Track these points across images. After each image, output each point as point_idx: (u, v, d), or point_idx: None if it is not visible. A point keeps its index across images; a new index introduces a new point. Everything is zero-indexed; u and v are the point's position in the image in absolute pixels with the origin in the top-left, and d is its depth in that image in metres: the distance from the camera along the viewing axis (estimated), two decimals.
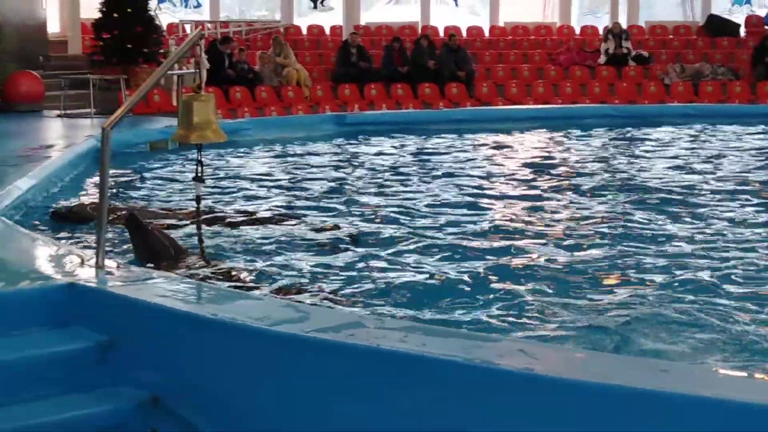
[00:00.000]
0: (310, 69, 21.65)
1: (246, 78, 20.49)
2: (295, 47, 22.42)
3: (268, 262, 6.97)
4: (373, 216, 8.93)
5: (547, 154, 14.16)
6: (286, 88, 20.79)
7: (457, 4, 27.19)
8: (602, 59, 23.35)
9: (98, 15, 19.28)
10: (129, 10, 18.88)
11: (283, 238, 7.81)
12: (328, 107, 20.29)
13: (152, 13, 19.68)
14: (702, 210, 9.14)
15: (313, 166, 12.70)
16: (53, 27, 22.47)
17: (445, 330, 4.41)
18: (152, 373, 4.39)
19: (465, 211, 9.12)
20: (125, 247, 7.27)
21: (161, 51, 19.37)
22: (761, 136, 16.29)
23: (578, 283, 6.40)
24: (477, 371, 3.43)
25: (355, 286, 6.38)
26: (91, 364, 4.44)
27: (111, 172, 6.08)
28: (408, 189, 10.56)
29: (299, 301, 5.62)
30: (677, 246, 7.51)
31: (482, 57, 23.70)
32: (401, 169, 12.23)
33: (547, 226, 8.46)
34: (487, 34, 25.53)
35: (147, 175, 11.98)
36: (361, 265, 6.94)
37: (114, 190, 10.18)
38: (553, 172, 12.11)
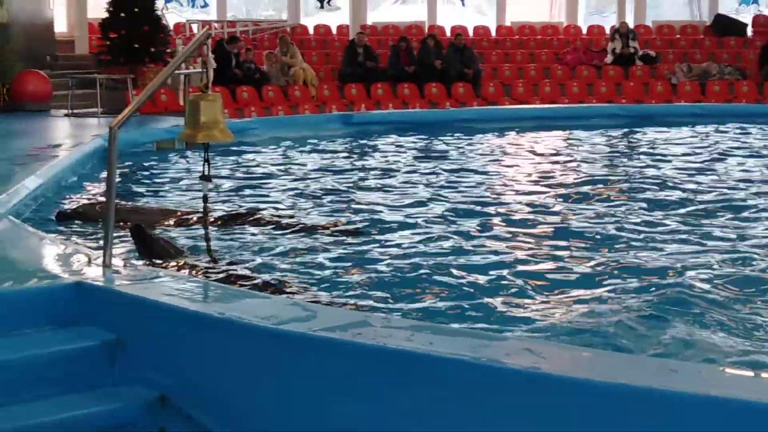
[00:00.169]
0: (316, 69, 21.66)
1: (253, 78, 20.50)
2: (301, 47, 22.43)
3: (275, 261, 6.97)
4: (379, 215, 8.92)
5: (553, 154, 14.14)
6: (292, 88, 20.80)
7: (463, 4, 27.18)
8: (609, 59, 23.32)
9: (105, 15, 19.31)
10: (136, 9, 18.90)
11: (290, 237, 7.81)
12: (335, 107, 20.30)
13: (159, 12, 19.70)
14: (709, 209, 9.12)
15: (319, 166, 12.69)
16: (60, 27, 22.51)
17: (452, 329, 4.42)
18: (160, 372, 4.40)
19: (471, 210, 9.11)
20: (132, 245, 7.28)
21: (168, 51, 19.39)
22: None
23: (585, 282, 6.39)
24: (484, 370, 3.43)
25: (361, 284, 6.37)
26: (98, 363, 4.45)
27: (118, 171, 6.08)
28: (414, 188, 10.55)
29: (309, 300, 5.63)
30: (684, 244, 7.50)
31: (489, 57, 23.69)
32: (407, 169, 12.23)
33: (553, 225, 8.45)
34: (493, 33, 25.51)
35: (153, 174, 11.99)
36: (366, 263, 6.94)
37: (120, 190, 10.18)
38: (559, 171, 12.10)
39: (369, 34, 23.16)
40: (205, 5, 25.92)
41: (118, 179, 6.69)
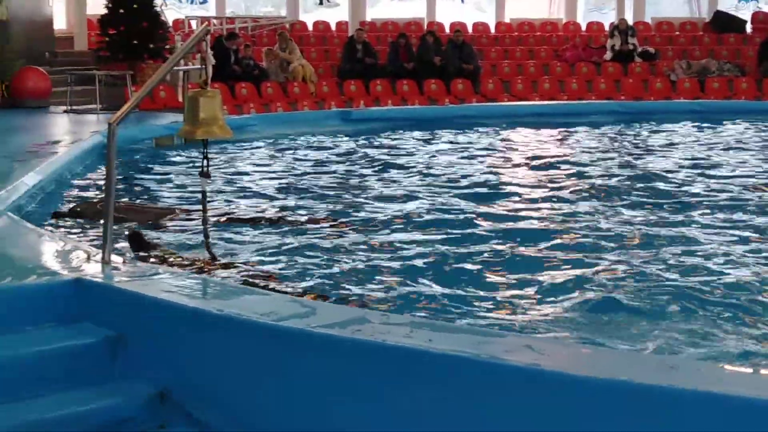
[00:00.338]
0: (315, 65, 21.66)
1: (252, 74, 20.50)
2: (300, 43, 22.42)
3: (274, 258, 6.97)
4: (378, 211, 8.92)
5: (552, 150, 14.15)
6: (291, 84, 20.80)
7: (462, 1, 27.17)
8: (608, 55, 23.33)
9: (104, 11, 19.31)
10: (135, 6, 18.90)
11: (288, 234, 7.81)
12: (334, 103, 20.31)
13: (158, 9, 19.69)
14: (708, 205, 9.12)
15: (318, 162, 12.69)
16: (59, 23, 22.49)
17: (452, 326, 4.42)
18: (160, 369, 4.39)
19: (470, 206, 9.11)
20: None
21: (167, 47, 19.38)
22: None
23: (585, 279, 6.39)
24: (484, 367, 3.42)
25: (360, 280, 6.37)
26: (98, 360, 4.45)
27: (116, 167, 6.08)
28: (413, 185, 10.55)
29: (307, 297, 5.63)
30: (684, 242, 7.50)
31: (488, 53, 23.69)
32: (406, 165, 12.22)
33: (552, 221, 8.45)
34: (492, 30, 25.51)
35: (152, 170, 11.99)
36: (365, 260, 6.94)
37: (119, 186, 10.18)
38: (558, 168, 12.10)
39: (368, 31, 23.16)
40: (204, 1, 25.91)
41: (117, 176, 6.69)
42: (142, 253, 6.81)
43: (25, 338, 4.48)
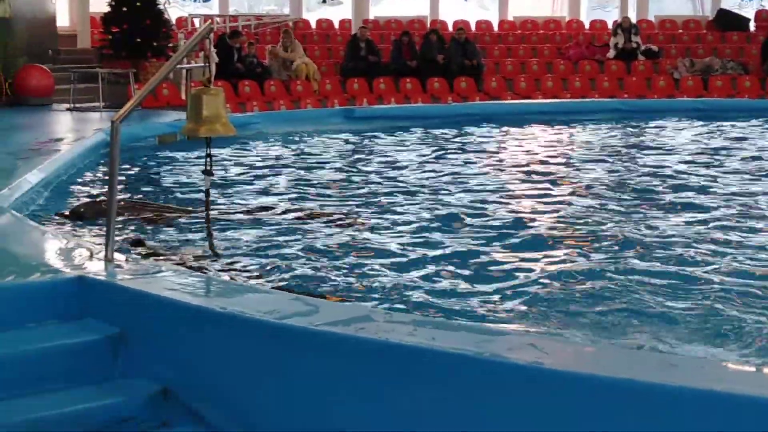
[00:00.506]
0: (318, 63, 21.66)
1: (255, 72, 20.50)
2: (303, 41, 22.42)
3: (277, 256, 6.97)
4: (381, 209, 8.92)
5: (555, 149, 14.14)
6: (295, 82, 20.81)
7: None
8: (611, 54, 23.31)
9: (107, 9, 19.33)
10: (138, 3, 18.92)
11: (291, 232, 7.81)
12: (337, 101, 20.31)
13: (161, 7, 19.71)
14: (711, 203, 9.12)
15: (321, 160, 12.70)
16: (63, 21, 22.51)
17: (455, 323, 4.42)
18: (162, 366, 4.40)
19: (473, 204, 9.11)
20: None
21: (170, 45, 19.40)
22: None
23: (588, 277, 6.39)
24: (487, 365, 3.42)
25: (363, 278, 6.38)
26: (101, 357, 4.45)
27: (119, 165, 6.08)
28: (416, 183, 10.54)
29: (308, 295, 5.63)
30: (686, 240, 7.50)
31: (491, 51, 23.67)
32: (409, 163, 12.23)
33: (555, 219, 8.45)
34: (496, 28, 25.51)
35: (155, 168, 12.00)
36: (368, 258, 6.94)
37: (122, 184, 10.19)
38: (561, 166, 12.10)
39: (371, 29, 23.15)
40: (207, 0, 25.91)
41: (119, 173, 6.69)
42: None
43: (27, 336, 4.49)
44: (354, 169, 11.84)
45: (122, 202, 8.52)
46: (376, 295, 6.01)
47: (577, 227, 8.11)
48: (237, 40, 20.75)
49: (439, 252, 7.10)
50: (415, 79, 21.56)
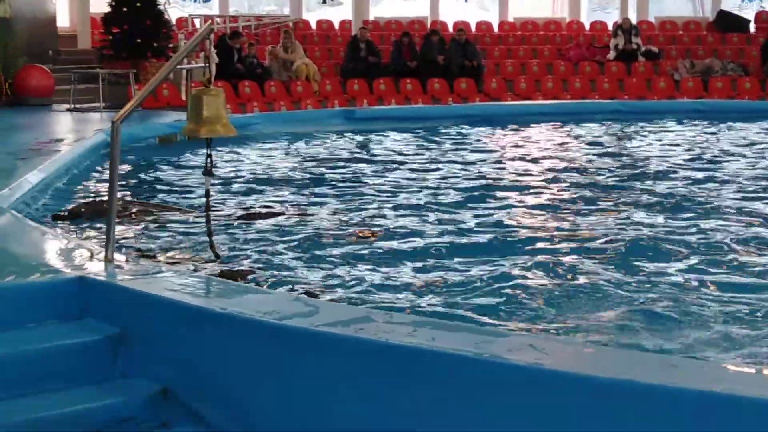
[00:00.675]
0: (319, 64, 21.66)
1: (255, 73, 20.50)
2: (304, 42, 22.42)
3: (277, 257, 6.98)
4: (380, 210, 8.92)
5: (556, 150, 14.15)
6: (295, 83, 20.81)
7: (466, 0, 27.17)
8: (612, 55, 23.31)
9: (108, 9, 19.35)
10: (138, 4, 18.94)
11: (291, 233, 7.81)
12: (337, 102, 20.31)
13: (161, 7, 19.73)
14: (712, 205, 9.12)
15: (321, 161, 12.70)
16: (63, 21, 22.52)
17: (455, 324, 4.42)
18: (162, 366, 4.40)
19: (473, 205, 9.12)
20: (134, 241, 7.30)
21: (170, 45, 19.41)
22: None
23: (587, 278, 6.39)
24: (487, 366, 3.43)
25: (363, 279, 6.38)
26: (101, 357, 4.45)
27: (119, 166, 6.08)
28: (416, 184, 10.55)
29: (308, 296, 5.63)
30: (687, 240, 7.50)
31: (491, 52, 23.68)
32: (409, 164, 12.23)
33: (555, 221, 8.45)
34: (496, 29, 25.52)
35: (155, 169, 12.00)
36: (368, 258, 6.94)
37: (122, 184, 10.20)
38: (561, 167, 12.10)
39: (371, 30, 23.15)
40: (208, 0, 25.91)
41: (120, 174, 6.69)
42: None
43: (27, 336, 4.49)
44: (353, 170, 11.83)
45: (122, 203, 8.52)
46: (375, 296, 6.01)
47: (578, 228, 8.11)
48: (237, 40, 20.76)
49: (438, 253, 7.10)
50: (416, 80, 21.57)
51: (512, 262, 6.86)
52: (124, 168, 11.15)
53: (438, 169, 11.80)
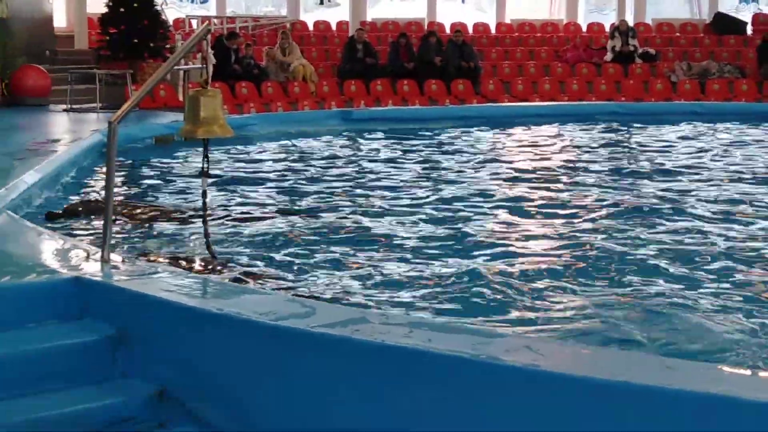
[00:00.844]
0: (316, 65, 21.66)
1: (252, 73, 20.50)
2: (301, 43, 22.42)
3: (274, 257, 6.98)
4: (377, 211, 8.92)
5: (552, 152, 14.15)
6: (292, 84, 20.81)
7: (463, 1, 27.17)
8: (609, 57, 23.34)
9: (105, 10, 19.33)
10: (135, 5, 18.92)
11: (287, 234, 7.81)
12: (334, 103, 20.31)
13: (159, 8, 19.72)
14: (707, 206, 9.13)
15: (318, 162, 12.70)
16: (60, 21, 22.51)
17: (451, 325, 4.42)
18: (159, 367, 4.40)
19: (470, 206, 9.12)
20: (131, 241, 7.29)
21: (167, 46, 19.39)
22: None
23: (584, 280, 6.40)
24: (483, 367, 3.43)
25: (360, 280, 6.38)
26: (98, 358, 4.45)
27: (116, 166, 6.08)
28: (412, 185, 10.55)
29: (305, 297, 5.63)
30: (684, 242, 7.50)
31: (488, 54, 23.69)
32: (406, 165, 12.23)
33: (551, 222, 8.46)
34: (493, 30, 25.52)
35: (152, 169, 12.00)
36: (365, 260, 6.94)
37: (119, 185, 10.19)
38: (558, 169, 12.11)
39: (368, 31, 23.17)
40: (205, 1, 25.92)
41: (116, 174, 6.69)
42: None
43: (24, 336, 4.48)
44: (350, 171, 11.83)
45: (119, 203, 8.52)
46: (372, 297, 6.01)
47: (573, 229, 8.11)
48: (234, 41, 20.76)
49: (435, 254, 7.10)
50: (413, 81, 21.57)
51: (507, 262, 6.87)
52: (121, 168, 11.13)
53: (434, 170, 11.80)
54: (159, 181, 11.10)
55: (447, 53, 21.95)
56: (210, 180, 6.54)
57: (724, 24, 25.60)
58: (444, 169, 11.94)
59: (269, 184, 10.73)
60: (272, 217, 8.51)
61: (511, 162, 12.91)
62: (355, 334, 3.81)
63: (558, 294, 6.10)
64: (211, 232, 6.99)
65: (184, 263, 6.52)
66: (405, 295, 6.07)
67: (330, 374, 3.81)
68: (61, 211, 8.56)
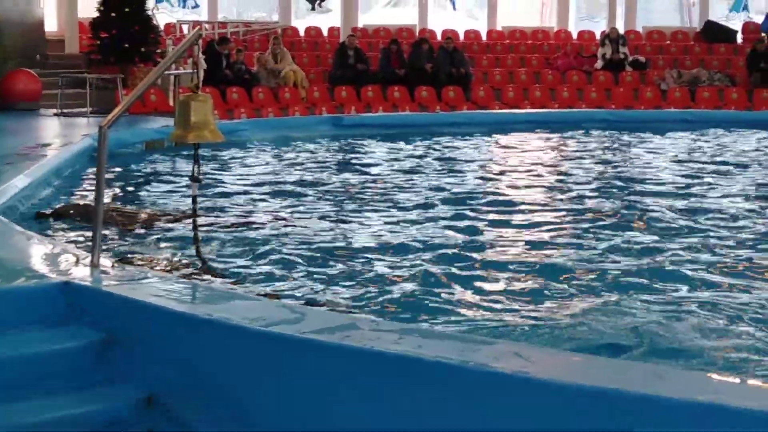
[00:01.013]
0: (307, 70, 21.66)
1: (243, 79, 20.49)
2: (292, 49, 22.42)
3: (263, 264, 6.97)
4: (367, 218, 8.92)
5: (543, 159, 14.17)
6: (283, 90, 20.80)
7: (455, 8, 27.19)
8: (599, 64, 23.37)
9: (96, 14, 19.29)
10: (127, 9, 18.89)
11: (278, 240, 7.80)
12: (325, 109, 20.30)
13: (150, 12, 19.69)
14: (698, 214, 9.14)
15: (309, 168, 12.69)
16: (51, 25, 22.47)
17: (441, 332, 4.42)
18: (147, 373, 4.39)
19: (459, 213, 9.11)
20: (120, 246, 7.28)
21: (158, 51, 19.37)
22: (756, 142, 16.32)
23: (573, 287, 6.40)
24: (472, 374, 3.42)
25: (350, 287, 6.37)
26: (86, 363, 4.44)
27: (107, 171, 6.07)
28: (403, 191, 10.55)
29: (296, 303, 5.62)
30: (673, 250, 7.51)
31: (479, 61, 23.70)
32: (396, 172, 12.23)
33: (542, 229, 8.46)
34: (484, 37, 25.54)
35: (143, 174, 11.98)
36: (355, 266, 6.94)
37: (109, 190, 10.17)
38: (548, 176, 12.12)
39: (360, 37, 23.17)
40: (196, 6, 25.88)
41: (107, 179, 6.68)
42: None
43: (12, 341, 4.47)
44: (341, 177, 11.83)
45: (109, 208, 8.50)
46: (360, 303, 6.01)
47: (564, 237, 8.12)
48: (225, 46, 20.74)
49: (425, 260, 7.10)
50: (403, 87, 21.58)
51: (497, 269, 6.87)
52: (111, 173, 11.12)
53: (424, 176, 11.80)
54: (149, 186, 11.08)
55: (438, 60, 21.97)
56: (200, 185, 6.52)
57: (714, 32, 25.66)
58: (434, 175, 11.94)
59: (259, 190, 10.72)
60: (262, 223, 8.50)
61: (501, 169, 12.92)
62: (345, 341, 3.81)
63: (547, 302, 6.10)
64: (201, 237, 6.99)
65: (173, 268, 6.51)
66: (395, 302, 6.06)
67: (319, 381, 3.80)
68: (50, 212, 8.56)
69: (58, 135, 14.63)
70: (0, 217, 7.06)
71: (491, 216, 9.10)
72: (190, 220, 6.90)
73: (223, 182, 11.20)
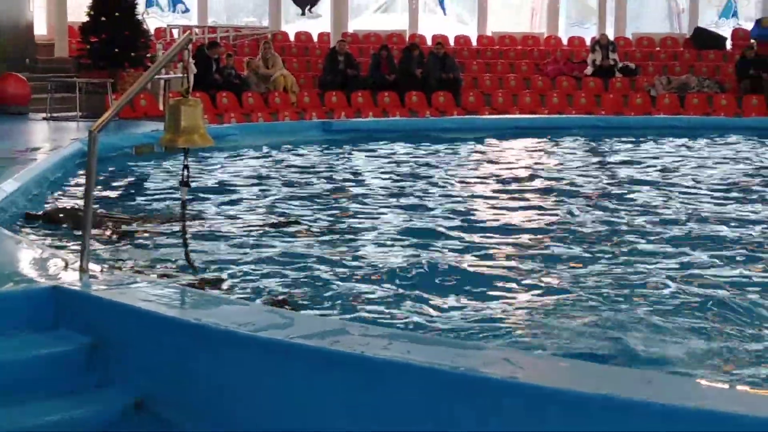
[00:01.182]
0: (297, 76, 21.67)
1: (233, 83, 20.49)
2: (282, 54, 22.43)
3: (253, 268, 6.96)
4: (357, 223, 8.92)
5: (532, 165, 14.18)
6: (272, 95, 20.80)
7: (445, 13, 27.22)
8: (589, 70, 23.42)
9: (86, 18, 19.24)
10: (117, 14, 18.84)
11: (268, 244, 7.79)
12: (315, 114, 20.32)
13: (140, 17, 19.65)
14: (686, 219, 9.16)
15: (298, 173, 12.68)
16: (40, 29, 22.43)
17: (430, 338, 4.42)
18: (136, 377, 4.38)
19: (449, 219, 9.12)
20: (109, 251, 7.26)
21: (148, 55, 19.34)
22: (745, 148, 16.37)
23: (564, 293, 6.40)
24: (461, 379, 3.42)
25: (339, 292, 6.37)
26: (75, 368, 4.43)
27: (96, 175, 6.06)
28: (393, 196, 10.55)
29: (284, 307, 5.62)
30: (665, 254, 7.52)
31: (469, 66, 23.74)
32: (386, 177, 12.24)
33: (532, 235, 8.47)
34: (474, 43, 25.58)
35: (132, 178, 11.96)
36: (344, 271, 6.93)
37: (98, 194, 10.15)
38: (538, 181, 12.13)
39: (350, 42, 23.18)
40: (186, 11, 25.87)
41: (96, 184, 6.66)
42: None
43: (0, 345, 4.45)
44: (330, 182, 11.83)
45: (98, 212, 8.48)
46: (351, 308, 6.01)
47: (554, 242, 8.13)
48: (215, 51, 20.75)
49: (416, 265, 7.10)
50: (393, 92, 21.60)
51: (487, 275, 6.87)
52: (101, 178, 11.09)
53: (414, 182, 11.80)
54: (139, 191, 11.07)
55: (428, 65, 22.00)
56: (189, 190, 6.50)
57: (703, 39, 25.72)
58: (424, 180, 11.94)
59: (249, 195, 10.71)
60: (251, 227, 8.50)
61: (490, 174, 12.92)
62: (334, 346, 3.80)
63: (537, 307, 6.11)
64: (190, 241, 6.97)
65: (162, 273, 6.50)
66: (384, 307, 6.06)
67: (308, 386, 3.80)
68: (40, 213, 8.54)
69: (48, 139, 14.59)
70: None
71: (480, 222, 9.11)
72: (180, 225, 6.89)
73: (213, 187, 11.18)
